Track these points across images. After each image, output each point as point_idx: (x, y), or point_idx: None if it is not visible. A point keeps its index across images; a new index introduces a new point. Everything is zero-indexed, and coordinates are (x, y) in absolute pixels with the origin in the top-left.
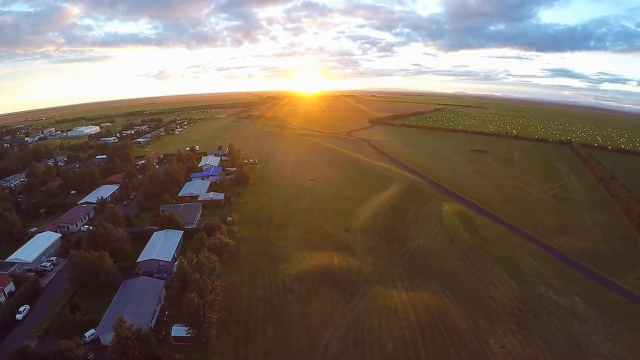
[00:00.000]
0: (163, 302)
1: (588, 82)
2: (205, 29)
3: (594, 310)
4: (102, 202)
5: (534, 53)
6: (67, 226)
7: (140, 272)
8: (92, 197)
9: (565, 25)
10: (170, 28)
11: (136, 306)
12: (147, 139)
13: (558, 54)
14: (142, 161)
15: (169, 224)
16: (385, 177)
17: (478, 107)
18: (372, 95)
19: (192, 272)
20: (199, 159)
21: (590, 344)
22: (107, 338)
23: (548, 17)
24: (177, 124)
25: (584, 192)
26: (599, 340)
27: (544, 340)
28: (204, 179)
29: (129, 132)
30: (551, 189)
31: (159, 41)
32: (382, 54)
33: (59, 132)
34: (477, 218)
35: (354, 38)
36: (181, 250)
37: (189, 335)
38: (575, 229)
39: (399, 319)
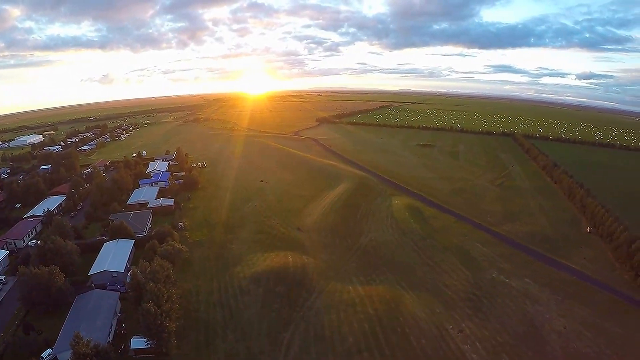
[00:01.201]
0: (119, 315)
1: (529, 76)
2: (150, 30)
3: (545, 290)
4: (49, 214)
5: (476, 50)
6: (14, 242)
7: (93, 285)
8: (39, 210)
9: (507, 23)
10: (114, 30)
11: (92, 321)
12: (93, 146)
13: (500, 51)
14: (88, 170)
15: (119, 233)
16: (334, 175)
17: (423, 103)
18: (319, 95)
19: (147, 281)
20: (147, 165)
21: (545, 322)
22: (65, 357)
23: (490, 15)
24: (123, 130)
25: (528, 180)
26: (553, 317)
27: (500, 322)
28: (152, 185)
29: (73, 139)
30: (496, 178)
31: (102, 44)
32: (328, 53)
33: (0, 142)
34: (427, 210)
35: (300, 38)
36: (133, 259)
37: (148, 346)
38: (521, 215)
39: (357, 313)
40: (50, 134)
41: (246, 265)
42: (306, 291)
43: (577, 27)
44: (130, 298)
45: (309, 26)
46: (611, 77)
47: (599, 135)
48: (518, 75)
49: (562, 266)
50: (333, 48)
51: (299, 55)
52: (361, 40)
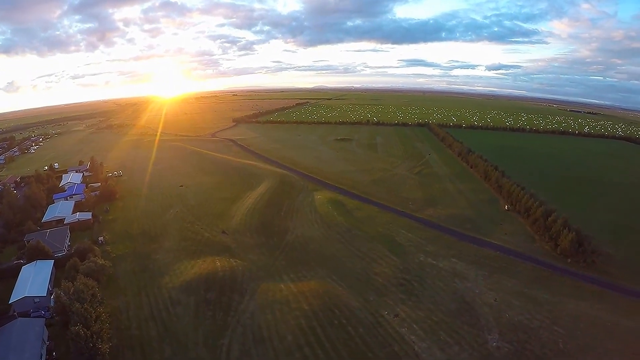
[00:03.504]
0: (48, 343)
1: (441, 69)
2: (58, 32)
3: (472, 267)
4: None
5: (389, 45)
6: None
7: (15, 314)
8: None
9: (419, 19)
10: (19, 33)
11: (20, 353)
12: (0, 161)
13: (412, 46)
14: None
15: (37, 254)
16: (255, 175)
17: (339, 99)
18: (234, 95)
19: (72, 302)
20: (60, 178)
21: (476, 297)
22: None
23: (403, 12)
24: (32, 142)
25: (445, 166)
26: (483, 291)
27: (433, 302)
28: (67, 199)
29: None
30: (415, 167)
31: (6, 48)
32: (242, 52)
33: None
34: (349, 202)
35: (213, 37)
36: (55, 281)
37: None
38: (441, 199)
39: (292, 310)
40: None
41: (174, 275)
42: (238, 294)
43: (486, 21)
44: (57, 323)
45: (222, 25)
46: (519, 67)
47: (510, 121)
48: (430, 69)
49: (485, 243)
50: (248, 47)
51: (213, 55)
52: (276, 38)
